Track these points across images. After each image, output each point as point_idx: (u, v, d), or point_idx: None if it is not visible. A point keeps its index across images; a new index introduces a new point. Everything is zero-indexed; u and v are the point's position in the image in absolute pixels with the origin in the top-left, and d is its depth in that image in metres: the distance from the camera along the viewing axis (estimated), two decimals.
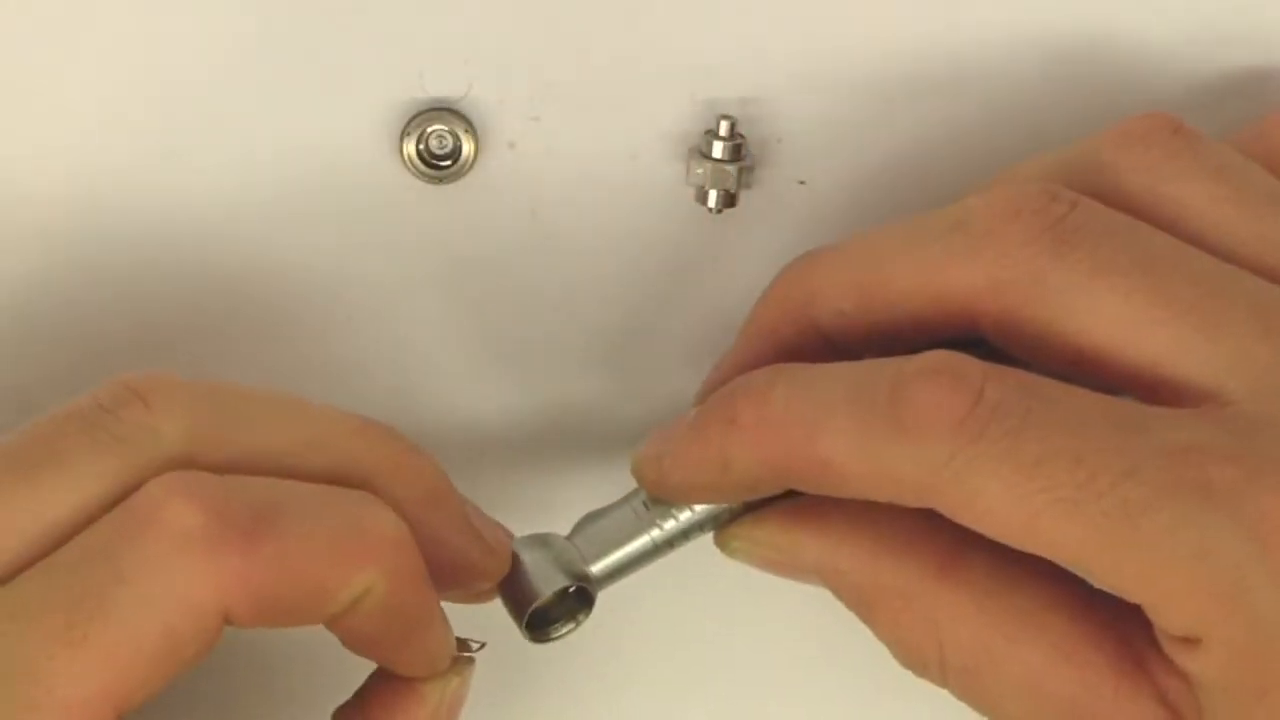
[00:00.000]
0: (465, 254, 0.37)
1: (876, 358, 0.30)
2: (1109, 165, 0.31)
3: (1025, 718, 0.30)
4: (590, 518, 0.33)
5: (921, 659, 0.31)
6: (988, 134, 0.37)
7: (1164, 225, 0.30)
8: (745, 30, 0.36)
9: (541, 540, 0.33)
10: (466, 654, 0.32)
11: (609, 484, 0.34)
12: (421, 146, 0.36)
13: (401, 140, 0.36)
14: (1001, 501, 0.28)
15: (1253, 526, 0.27)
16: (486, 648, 0.33)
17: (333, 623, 0.29)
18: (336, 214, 0.36)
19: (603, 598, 0.33)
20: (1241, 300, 0.29)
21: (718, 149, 0.35)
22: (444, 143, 0.36)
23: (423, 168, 0.36)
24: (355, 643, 0.30)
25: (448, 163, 0.36)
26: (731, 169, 0.35)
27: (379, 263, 0.36)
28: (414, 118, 0.35)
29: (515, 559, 0.33)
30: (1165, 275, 0.29)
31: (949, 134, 0.37)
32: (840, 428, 0.29)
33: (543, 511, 0.34)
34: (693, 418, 0.32)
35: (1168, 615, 0.28)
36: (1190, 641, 0.28)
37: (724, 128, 0.35)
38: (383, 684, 0.32)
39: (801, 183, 0.37)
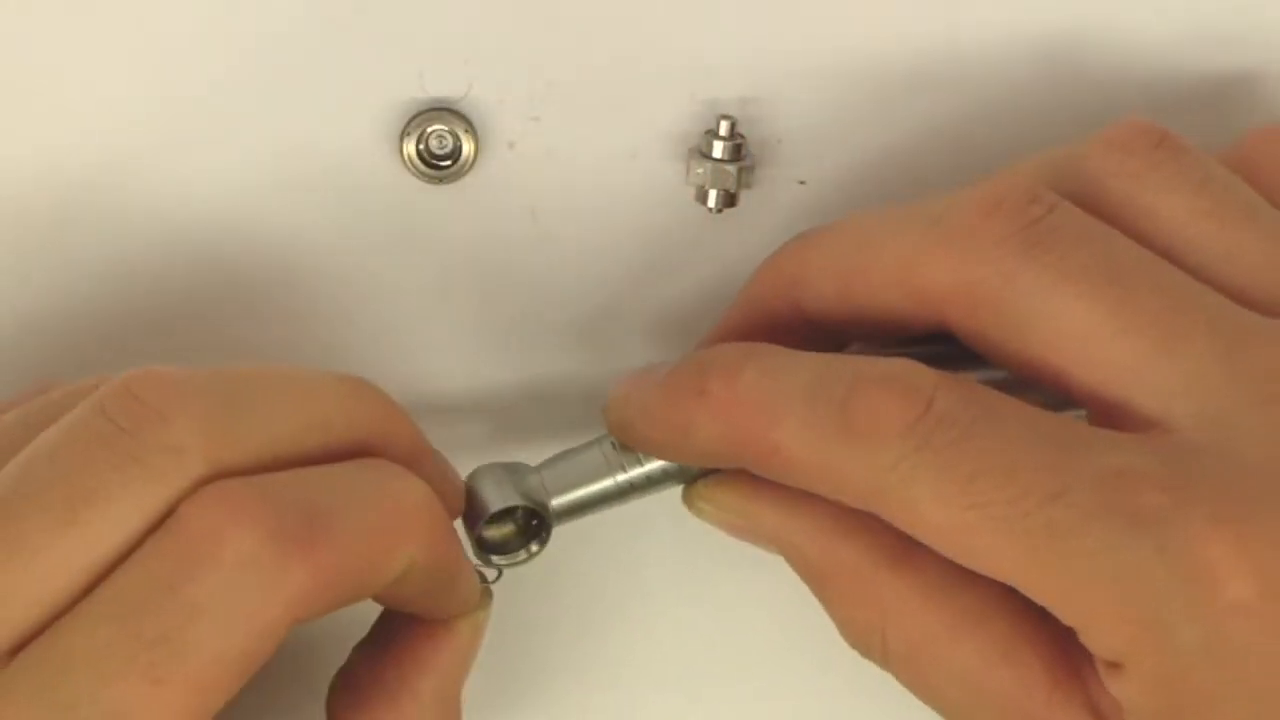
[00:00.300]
0: (465, 254, 0.37)
1: (858, 343, 0.31)
2: (1092, 171, 0.31)
3: (962, 709, 0.30)
4: (560, 455, 0.34)
5: (866, 640, 0.31)
6: (987, 134, 0.37)
7: (1140, 235, 0.30)
8: (745, 30, 0.36)
9: (508, 467, 0.33)
10: (485, 584, 0.33)
11: None
12: (421, 146, 0.36)
13: (401, 140, 0.36)
14: (937, 512, 0.28)
15: (1177, 555, 0.27)
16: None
17: (377, 594, 0.30)
18: (337, 214, 0.36)
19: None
20: (1202, 319, 0.29)
21: (718, 149, 0.35)
22: (444, 143, 0.36)
23: (423, 168, 0.36)
24: (395, 603, 0.31)
25: (448, 163, 0.36)
26: (731, 169, 0.35)
27: (379, 263, 0.36)
28: (414, 118, 0.36)
29: (477, 479, 0.33)
30: (1131, 287, 0.29)
31: (949, 134, 0.37)
32: (795, 420, 0.30)
33: None
34: (665, 376, 0.32)
35: (1092, 639, 0.28)
36: (1114, 666, 0.28)
37: (724, 128, 0.35)
38: (411, 625, 0.32)
39: (801, 183, 0.37)
